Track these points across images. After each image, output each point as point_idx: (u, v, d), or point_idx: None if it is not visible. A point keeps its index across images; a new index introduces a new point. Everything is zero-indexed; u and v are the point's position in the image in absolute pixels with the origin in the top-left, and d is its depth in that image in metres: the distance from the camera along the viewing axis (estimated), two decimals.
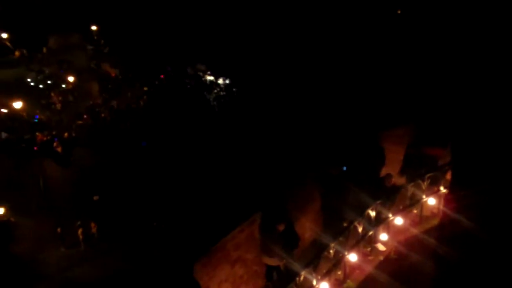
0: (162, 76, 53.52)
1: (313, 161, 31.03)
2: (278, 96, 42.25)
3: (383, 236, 27.55)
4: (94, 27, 65.93)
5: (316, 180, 29.15)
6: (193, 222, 29.05)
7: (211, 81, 52.75)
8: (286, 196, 27.36)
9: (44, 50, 63.78)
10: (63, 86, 52.96)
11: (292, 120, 37.60)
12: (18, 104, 42.89)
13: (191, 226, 28.91)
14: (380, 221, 27.58)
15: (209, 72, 53.35)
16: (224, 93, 50.84)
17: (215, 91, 51.26)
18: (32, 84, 53.94)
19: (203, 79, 53.08)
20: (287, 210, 26.52)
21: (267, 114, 39.79)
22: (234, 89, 50.68)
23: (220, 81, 52.49)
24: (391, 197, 28.18)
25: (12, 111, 44.95)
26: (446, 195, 28.78)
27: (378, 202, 27.26)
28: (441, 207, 28.89)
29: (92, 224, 30.94)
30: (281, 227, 25.47)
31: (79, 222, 30.64)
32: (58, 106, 49.05)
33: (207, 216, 28.52)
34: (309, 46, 47.25)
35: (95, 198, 33.77)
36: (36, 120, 44.91)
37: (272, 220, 25.34)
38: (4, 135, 42.50)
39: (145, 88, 51.51)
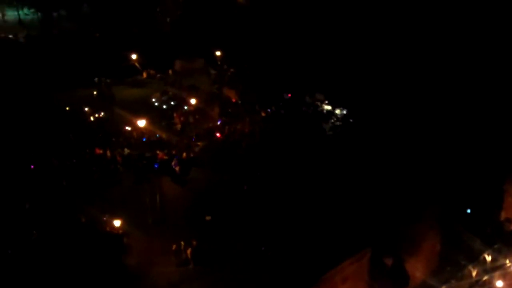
0: (281, 103, 54.01)
1: (433, 201, 29.99)
2: (398, 128, 41.17)
3: (499, 283, 26.19)
4: (218, 53, 67.90)
5: (434, 220, 28.29)
6: (303, 251, 28.86)
7: (328, 110, 52.61)
8: (400, 233, 26.75)
9: (170, 72, 66.58)
10: (185, 107, 54.71)
11: (413, 158, 36.34)
12: (142, 123, 44.66)
13: (300, 254, 28.73)
14: (496, 267, 26.30)
15: (326, 102, 53.26)
16: (340, 123, 50.52)
17: (332, 120, 51.06)
18: (156, 104, 56.15)
19: (320, 108, 53.05)
20: (400, 247, 25.91)
21: (385, 147, 38.89)
22: (350, 120, 50.27)
23: (337, 111, 52.22)
24: (509, 243, 26.83)
25: (136, 129, 46.82)
26: None
27: (495, 247, 26.06)
28: None
29: (201, 244, 31.46)
30: (389, 261, 24.91)
31: (190, 241, 31.31)
32: (179, 126, 50.69)
33: (318, 246, 28.27)
34: (435, 83, 45.30)
35: (208, 218, 34.47)
36: (144, 139, 46.73)
37: (382, 255, 24.85)
38: (126, 151, 44.44)
39: (263, 114, 52.21)
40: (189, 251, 31.03)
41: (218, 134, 48.29)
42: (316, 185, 35.88)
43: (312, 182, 36.29)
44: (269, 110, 52.99)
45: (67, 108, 52.96)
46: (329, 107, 52.68)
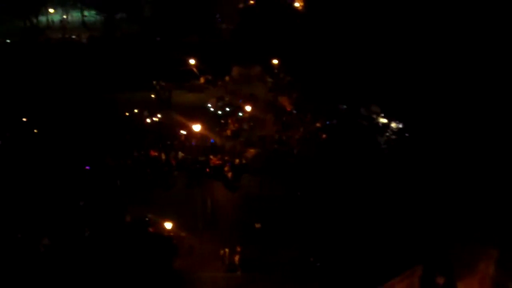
0: (335, 114, 53.63)
1: (488, 223, 29.13)
2: (455, 145, 40.13)
3: None
4: (275, 61, 67.94)
5: (487, 242, 27.53)
6: (352, 264, 28.54)
7: (383, 123, 51.96)
8: (453, 253, 26.18)
9: (227, 78, 67.03)
10: (240, 114, 54.96)
11: (470, 177, 35.31)
12: (197, 127, 45.06)
13: (349, 267, 28.42)
14: None
15: (382, 114, 52.59)
16: (396, 137, 49.80)
17: (387, 134, 50.38)
18: (211, 109, 56.58)
19: (375, 121, 52.45)
20: (452, 266, 25.35)
21: (440, 163, 38.03)
22: (406, 134, 49.47)
23: (393, 124, 51.49)
24: None
25: (191, 133, 47.28)
26: None
27: None
28: None
29: (249, 251, 31.49)
30: (440, 280, 24.46)
31: (236, 247, 31.42)
32: (229, 132, 50.98)
33: (368, 260, 27.91)
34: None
35: (257, 226, 34.49)
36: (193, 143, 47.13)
37: (434, 273, 24.37)
38: (181, 154, 44.90)
39: (318, 125, 51.99)
40: (237, 257, 31.12)
41: (271, 142, 48.34)
42: (368, 198, 35.49)
43: (365, 195, 35.91)
44: (323, 120, 52.74)
45: (125, 110, 53.87)
46: (384, 120, 52.00)
